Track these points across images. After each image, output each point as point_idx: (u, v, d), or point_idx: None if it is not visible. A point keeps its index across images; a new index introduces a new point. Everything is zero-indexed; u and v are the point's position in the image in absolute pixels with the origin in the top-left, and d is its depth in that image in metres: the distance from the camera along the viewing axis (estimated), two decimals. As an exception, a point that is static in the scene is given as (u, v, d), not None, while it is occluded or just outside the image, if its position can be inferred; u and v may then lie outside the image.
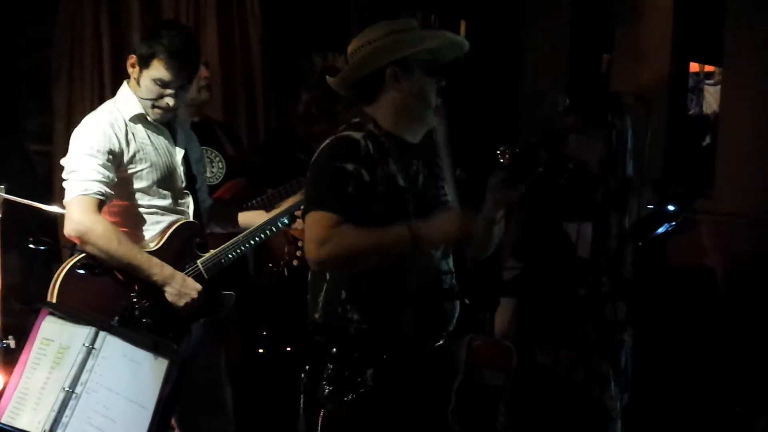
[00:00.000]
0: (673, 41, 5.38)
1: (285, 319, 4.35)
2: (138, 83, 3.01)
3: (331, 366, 2.52)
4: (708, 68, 7.34)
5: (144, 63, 2.98)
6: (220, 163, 3.98)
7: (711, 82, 7.38)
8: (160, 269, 2.96)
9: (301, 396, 2.62)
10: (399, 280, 2.56)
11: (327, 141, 2.60)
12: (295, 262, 3.88)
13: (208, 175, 3.91)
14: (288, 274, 4.07)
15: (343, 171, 2.49)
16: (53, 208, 3.68)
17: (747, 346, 3.95)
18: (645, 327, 3.31)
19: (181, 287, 2.98)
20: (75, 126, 4.42)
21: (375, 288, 2.55)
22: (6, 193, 3.56)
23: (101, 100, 4.43)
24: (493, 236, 2.75)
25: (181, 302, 2.97)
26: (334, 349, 2.53)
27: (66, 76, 4.54)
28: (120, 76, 4.50)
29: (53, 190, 4.50)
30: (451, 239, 2.53)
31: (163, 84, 2.97)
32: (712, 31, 5.36)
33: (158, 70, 2.96)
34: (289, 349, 4.32)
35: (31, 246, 2.93)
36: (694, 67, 6.87)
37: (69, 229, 2.91)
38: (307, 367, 2.61)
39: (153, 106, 3.01)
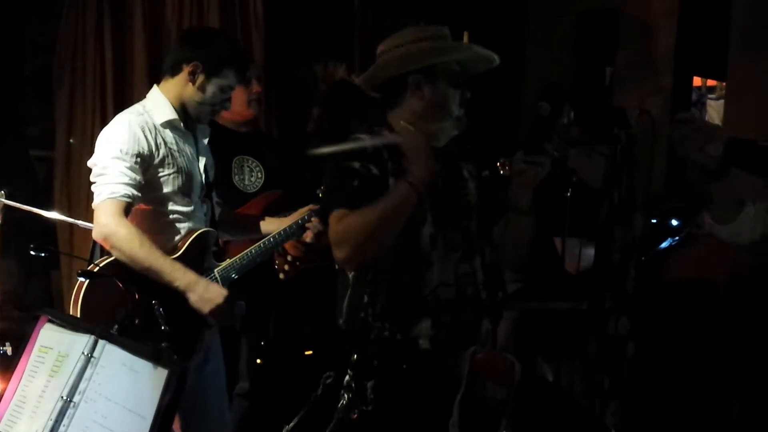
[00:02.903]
0: (676, 55, 5.39)
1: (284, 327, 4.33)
2: (202, 89, 3.05)
3: (351, 373, 2.54)
4: (711, 82, 7.34)
5: (214, 71, 3.04)
6: (259, 173, 3.99)
7: (714, 96, 7.38)
8: (182, 275, 2.96)
9: (321, 396, 2.67)
10: (418, 283, 2.59)
11: None
12: (281, 276, 3.86)
13: (246, 183, 3.92)
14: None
15: (349, 168, 2.55)
16: (53, 215, 3.66)
17: (750, 362, 3.93)
18: (647, 342, 3.30)
19: (204, 293, 2.96)
20: (77, 132, 4.49)
21: (395, 292, 2.59)
22: (6, 198, 3.54)
23: (103, 105, 4.47)
24: (527, 230, 2.77)
25: (206, 308, 2.97)
26: (355, 356, 2.55)
27: (68, 81, 4.54)
28: (123, 82, 4.55)
29: (53, 196, 4.49)
30: (427, 156, 2.51)
31: (228, 89, 3.09)
32: (715, 46, 5.36)
33: (228, 78, 3.07)
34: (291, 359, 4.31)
35: (32, 252, 2.92)
36: (696, 81, 6.87)
37: (96, 232, 2.93)
38: (330, 373, 2.66)
39: (213, 110, 3.13)
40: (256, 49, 4.91)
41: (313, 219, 3.29)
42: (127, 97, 4.43)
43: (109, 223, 2.88)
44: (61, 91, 4.55)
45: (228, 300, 2.99)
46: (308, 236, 3.33)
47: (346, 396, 2.54)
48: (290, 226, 3.31)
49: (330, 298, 2.83)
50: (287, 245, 3.74)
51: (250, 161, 3.97)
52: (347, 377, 2.55)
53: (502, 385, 2.69)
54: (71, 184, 4.47)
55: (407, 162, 2.52)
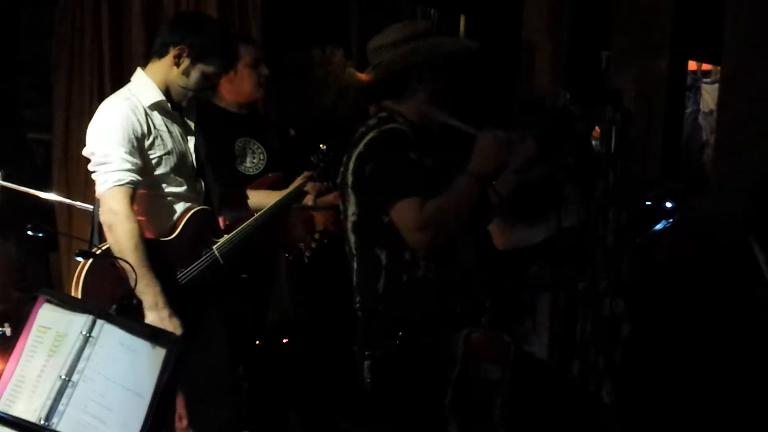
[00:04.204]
0: (671, 39, 5.39)
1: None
2: (186, 74, 3.05)
3: (399, 348, 2.68)
4: (705, 66, 7.36)
5: (201, 57, 3.03)
6: (261, 155, 4.00)
7: (709, 80, 7.39)
8: (153, 294, 2.89)
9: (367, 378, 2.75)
10: (451, 261, 2.75)
11: (372, 135, 2.74)
12: (308, 254, 3.90)
13: (248, 164, 3.94)
14: (308, 261, 4.09)
15: (409, 159, 2.68)
16: (51, 196, 3.68)
17: (743, 344, 3.96)
18: (642, 322, 3.32)
19: (161, 322, 2.88)
20: (74, 115, 4.49)
21: (433, 271, 2.72)
22: (4, 180, 3.55)
23: (101, 90, 4.46)
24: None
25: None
26: (400, 333, 2.69)
27: (66, 65, 4.53)
28: (120, 66, 4.55)
29: (51, 179, 4.50)
30: (497, 156, 2.69)
31: (213, 76, 3.09)
32: (710, 30, 5.37)
33: (214, 66, 3.06)
34: (286, 340, 4.33)
35: (29, 233, 2.92)
36: (691, 65, 6.89)
37: (104, 218, 2.93)
38: (367, 353, 2.75)
39: (195, 96, 3.13)
40: (253, 34, 4.90)
41: (309, 184, 3.41)
42: (125, 80, 4.37)
43: (120, 212, 2.88)
44: (58, 75, 4.54)
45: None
46: (309, 200, 3.44)
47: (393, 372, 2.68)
48: (287, 195, 3.40)
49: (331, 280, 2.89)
50: (318, 219, 3.86)
51: (252, 143, 3.99)
52: (392, 352, 2.67)
53: (497, 365, 2.72)
54: (69, 167, 4.47)
55: (474, 157, 2.69)
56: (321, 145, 3.57)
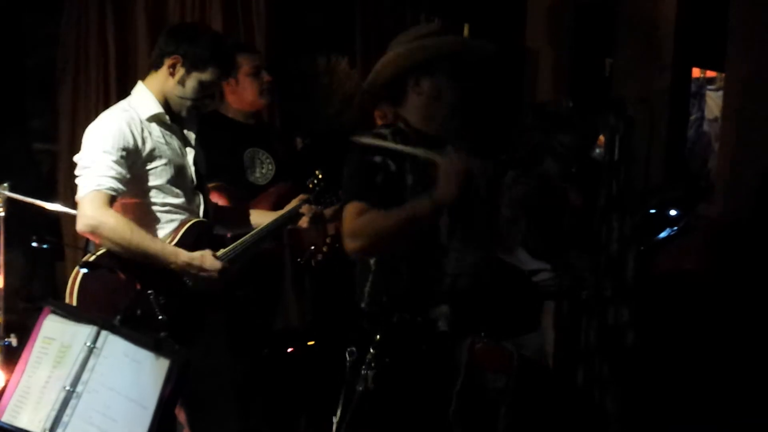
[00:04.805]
0: (675, 46, 5.39)
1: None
2: (181, 84, 3.06)
3: (373, 351, 2.64)
4: (710, 74, 7.36)
5: (196, 66, 3.04)
6: (270, 165, 4.02)
7: (713, 87, 7.40)
8: (175, 256, 2.99)
9: (346, 378, 2.72)
10: (438, 270, 2.72)
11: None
12: (319, 257, 3.93)
13: (257, 175, 3.96)
14: (315, 265, 4.11)
15: (370, 162, 2.64)
16: (57, 207, 3.69)
17: (747, 351, 3.95)
18: (647, 331, 3.32)
19: (200, 267, 3.01)
20: (80, 125, 4.50)
21: (416, 277, 2.69)
22: (10, 191, 3.56)
23: (106, 99, 4.48)
24: None
25: (203, 282, 3.02)
26: (378, 336, 2.65)
27: (71, 75, 4.55)
28: (125, 75, 4.57)
29: (57, 189, 4.51)
30: (459, 183, 2.58)
31: (210, 85, 3.09)
32: (714, 37, 5.37)
33: (211, 74, 3.06)
34: (291, 350, 4.33)
35: (34, 244, 2.93)
36: (695, 72, 6.88)
37: (81, 225, 2.93)
38: (353, 350, 2.72)
39: (193, 106, 3.11)
40: (258, 41, 4.92)
41: (304, 206, 3.44)
42: (130, 90, 4.43)
43: (95, 215, 2.89)
44: (64, 85, 4.56)
45: (224, 272, 3.05)
46: (304, 222, 3.46)
47: (367, 373, 2.63)
48: (282, 216, 3.42)
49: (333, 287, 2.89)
50: (330, 228, 3.90)
51: (261, 153, 4.01)
52: (369, 355, 2.63)
53: (501, 374, 2.72)
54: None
55: (437, 180, 2.60)
56: (317, 171, 3.62)
